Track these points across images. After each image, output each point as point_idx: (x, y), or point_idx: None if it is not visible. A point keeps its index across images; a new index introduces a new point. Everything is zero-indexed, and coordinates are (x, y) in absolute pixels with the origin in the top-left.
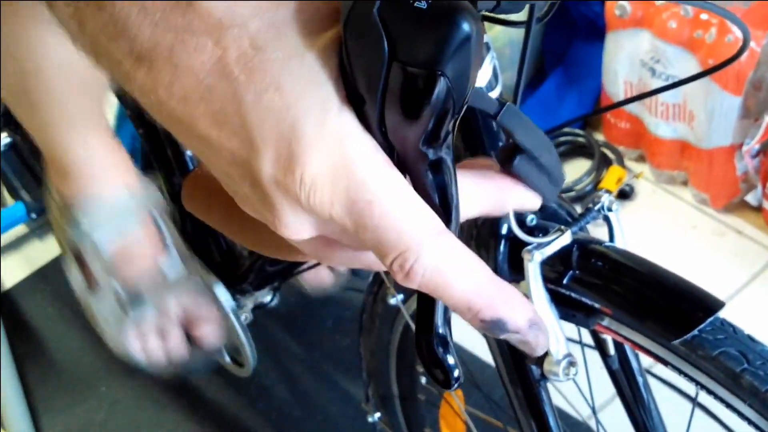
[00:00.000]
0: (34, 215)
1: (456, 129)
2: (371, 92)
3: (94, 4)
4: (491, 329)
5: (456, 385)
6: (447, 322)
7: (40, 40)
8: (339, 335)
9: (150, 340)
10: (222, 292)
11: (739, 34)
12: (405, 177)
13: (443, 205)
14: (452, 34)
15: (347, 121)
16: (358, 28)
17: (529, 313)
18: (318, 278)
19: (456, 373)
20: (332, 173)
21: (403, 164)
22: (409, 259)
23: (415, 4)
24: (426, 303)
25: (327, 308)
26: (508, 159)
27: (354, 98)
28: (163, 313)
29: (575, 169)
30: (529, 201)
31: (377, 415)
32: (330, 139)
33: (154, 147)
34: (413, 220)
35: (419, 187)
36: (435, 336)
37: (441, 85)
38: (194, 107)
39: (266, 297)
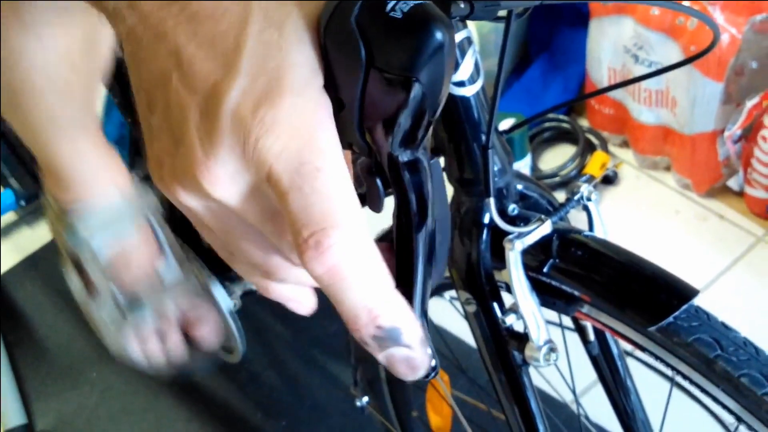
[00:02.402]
0: (23, 202)
1: (438, 121)
2: (351, 96)
3: None
4: (384, 338)
5: (433, 375)
6: (424, 314)
7: (21, 44)
8: (327, 321)
9: (149, 343)
10: (220, 292)
11: (720, 21)
12: (383, 178)
13: (419, 202)
14: (426, 42)
15: (326, 101)
16: (338, 36)
17: (423, 331)
18: None
19: (433, 362)
20: (294, 129)
21: (381, 165)
22: (331, 236)
23: (391, 14)
24: (403, 296)
25: (315, 294)
26: None
27: (335, 103)
28: (162, 316)
29: (560, 155)
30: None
31: (365, 399)
32: (308, 100)
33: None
34: (349, 205)
35: (398, 187)
36: None
37: (416, 91)
38: (198, 24)
39: None
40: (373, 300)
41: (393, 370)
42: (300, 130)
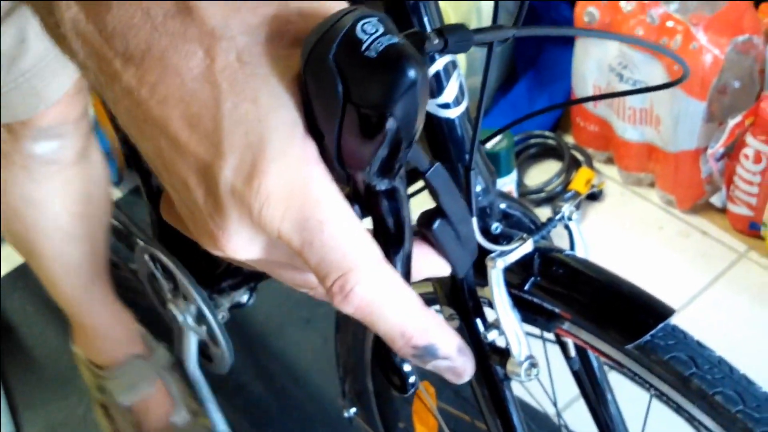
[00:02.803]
0: None
1: (422, 137)
2: (329, 129)
3: (104, 3)
4: (423, 355)
5: (412, 391)
6: None
7: (31, 196)
8: (314, 333)
9: None
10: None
11: (703, 41)
12: (362, 205)
13: (396, 228)
14: (399, 80)
15: (310, 147)
16: (316, 72)
17: (457, 340)
18: None
19: (412, 379)
20: (289, 190)
21: (359, 193)
22: (350, 280)
23: (366, 53)
24: None
25: (302, 306)
26: (428, 222)
27: (315, 133)
28: None
29: (545, 171)
30: (441, 270)
31: (353, 410)
32: (293, 158)
33: (133, 151)
34: (359, 245)
35: (375, 213)
36: None
37: (390, 125)
38: (172, 108)
39: (243, 297)
40: (403, 324)
41: (443, 376)
42: (294, 188)
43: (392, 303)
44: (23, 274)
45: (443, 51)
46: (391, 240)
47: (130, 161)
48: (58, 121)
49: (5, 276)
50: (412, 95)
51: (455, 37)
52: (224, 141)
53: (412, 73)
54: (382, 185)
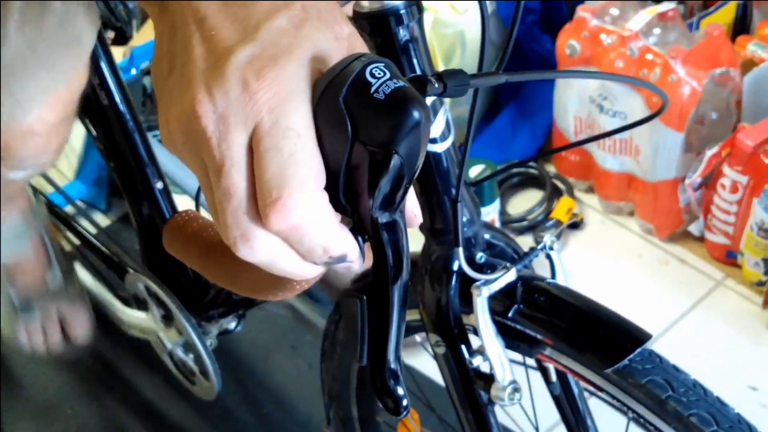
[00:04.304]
0: None
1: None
2: (337, 165)
3: None
4: (333, 262)
5: (404, 413)
6: (398, 358)
7: None
8: (300, 359)
9: (35, 336)
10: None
11: (682, 74)
12: (364, 237)
13: (395, 258)
14: (405, 121)
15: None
16: (327, 113)
17: (357, 248)
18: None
19: (405, 402)
20: (290, 92)
21: (362, 224)
22: (296, 198)
23: (374, 95)
24: (379, 341)
25: (289, 334)
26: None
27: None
28: (46, 316)
29: (527, 200)
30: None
31: None
32: (301, 79)
33: (123, 179)
34: (315, 169)
35: (376, 244)
36: (387, 370)
37: (395, 162)
38: (228, 6)
39: (231, 324)
40: (326, 241)
41: (333, 269)
42: (294, 96)
43: (320, 224)
44: None
45: (442, 94)
46: (391, 269)
47: (117, 188)
48: (38, 151)
49: None
50: (416, 134)
51: (453, 81)
52: (259, 33)
53: (416, 114)
54: (383, 218)
